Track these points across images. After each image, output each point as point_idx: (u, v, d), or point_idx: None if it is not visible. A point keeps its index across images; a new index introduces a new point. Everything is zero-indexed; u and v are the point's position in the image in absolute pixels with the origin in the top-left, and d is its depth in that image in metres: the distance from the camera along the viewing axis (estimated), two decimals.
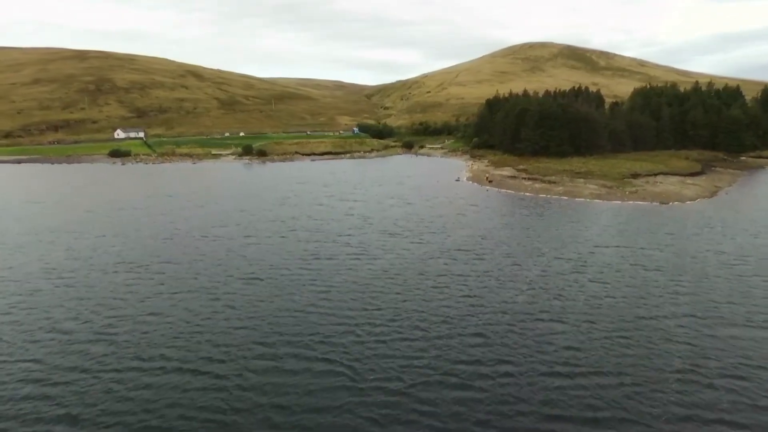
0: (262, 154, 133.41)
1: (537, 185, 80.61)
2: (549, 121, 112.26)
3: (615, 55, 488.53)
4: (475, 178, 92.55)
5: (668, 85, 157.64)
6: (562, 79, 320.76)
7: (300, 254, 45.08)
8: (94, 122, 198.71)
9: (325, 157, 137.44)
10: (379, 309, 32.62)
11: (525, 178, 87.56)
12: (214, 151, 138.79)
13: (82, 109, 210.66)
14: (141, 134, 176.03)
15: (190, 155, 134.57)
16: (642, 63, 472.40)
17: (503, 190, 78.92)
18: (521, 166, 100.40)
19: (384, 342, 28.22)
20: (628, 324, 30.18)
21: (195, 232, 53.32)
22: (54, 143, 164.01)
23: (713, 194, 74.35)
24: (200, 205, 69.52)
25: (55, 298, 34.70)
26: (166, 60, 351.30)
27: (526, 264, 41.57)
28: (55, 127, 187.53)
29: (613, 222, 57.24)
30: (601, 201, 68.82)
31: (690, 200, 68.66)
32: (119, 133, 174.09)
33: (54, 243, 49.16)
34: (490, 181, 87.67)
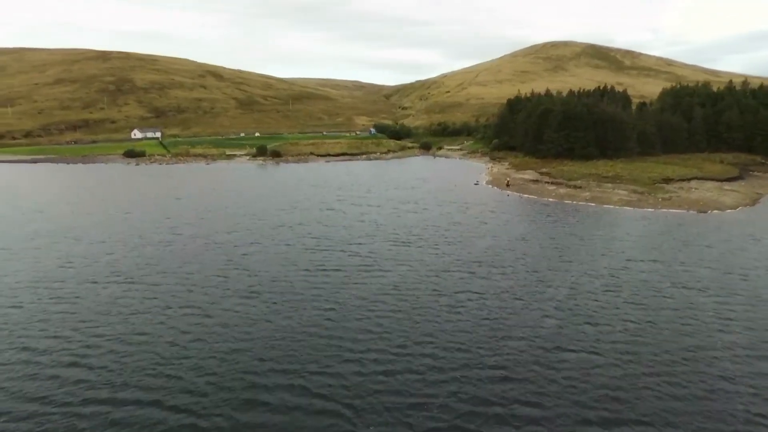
0: (276, 155, 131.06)
1: (561, 190, 75.95)
2: (573, 122, 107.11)
3: (640, 54, 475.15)
4: (495, 182, 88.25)
5: (700, 85, 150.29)
6: (585, 79, 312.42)
7: (305, 265, 41.80)
8: (113, 122, 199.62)
9: (341, 158, 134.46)
10: (387, 333, 29.06)
11: (548, 183, 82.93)
12: (228, 152, 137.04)
13: (102, 109, 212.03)
14: (158, 134, 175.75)
15: (204, 156, 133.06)
16: (669, 62, 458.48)
17: (525, 196, 74.51)
18: (544, 170, 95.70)
19: (390, 375, 24.66)
20: (675, 358, 26.04)
21: (197, 239, 50.53)
22: (71, 143, 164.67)
23: (755, 202, 68.81)
24: (207, 209, 66.94)
25: (36, 313, 32.03)
26: (187, 60, 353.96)
27: (553, 281, 37.51)
28: (75, 127, 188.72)
29: (646, 232, 52.58)
30: (631, 208, 64.00)
31: (730, 208, 63.34)
32: (136, 134, 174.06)
33: (49, 249, 46.86)
34: (508, 185, 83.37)
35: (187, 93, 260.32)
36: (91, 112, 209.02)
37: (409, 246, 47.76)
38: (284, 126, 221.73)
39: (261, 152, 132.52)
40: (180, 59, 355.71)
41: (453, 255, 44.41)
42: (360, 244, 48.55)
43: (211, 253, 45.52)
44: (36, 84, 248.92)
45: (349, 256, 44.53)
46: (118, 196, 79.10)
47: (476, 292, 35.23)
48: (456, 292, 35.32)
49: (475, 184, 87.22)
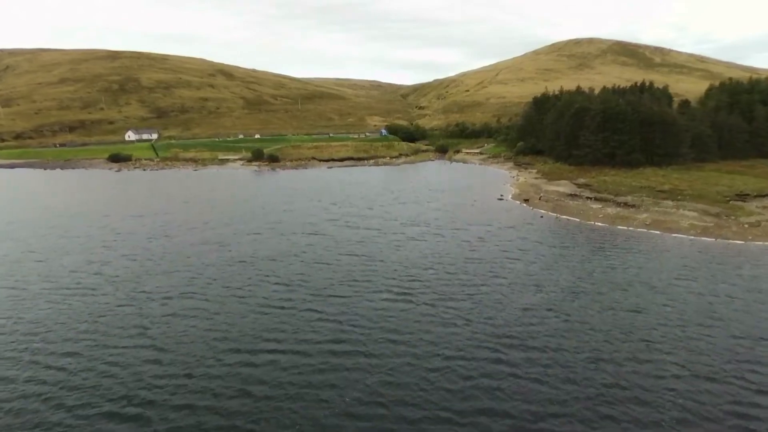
0: (273, 160, 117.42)
1: (610, 210, 60.34)
2: (615, 123, 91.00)
3: (671, 50, 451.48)
4: (523, 196, 72.94)
5: (753, 79, 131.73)
6: (613, 77, 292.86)
7: (244, 340, 27.68)
8: (111, 123, 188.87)
9: (346, 163, 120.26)
10: None
11: (590, 198, 67.36)
12: (221, 156, 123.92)
13: (101, 109, 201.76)
14: (154, 136, 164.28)
15: (194, 160, 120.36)
16: (701, 59, 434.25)
17: (564, 217, 59.08)
18: (581, 180, 79.95)
19: None
20: None
21: (120, 285, 36.81)
22: (57, 146, 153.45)
23: None
24: (161, 233, 53.38)
25: None
26: (199, 59, 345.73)
27: (637, 380, 22.55)
28: (70, 128, 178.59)
29: (754, 282, 36.80)
30: (711, 239, 48.13)
31: None
32: (130, 135, 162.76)
33: None
34: (527, 201, 68.16)
35: (194, 92, 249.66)
36: (89, 113, 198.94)
37: (408, 302, 33.28)
38: (291, 127, 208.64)
39: (257, 156, 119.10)
40: (192, 58, 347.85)
41: (472, 322, 29.76)
42: (339, 297, 34.22)
43: (120, 313, 31.66)
44: (39, 84, 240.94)
45: (317, 321, 30.25)
46: (69, 212, 66.15)
47: (513, 417, 20.54)
48: (480, 414, 20.70)
49: (500, 199, 72.01)
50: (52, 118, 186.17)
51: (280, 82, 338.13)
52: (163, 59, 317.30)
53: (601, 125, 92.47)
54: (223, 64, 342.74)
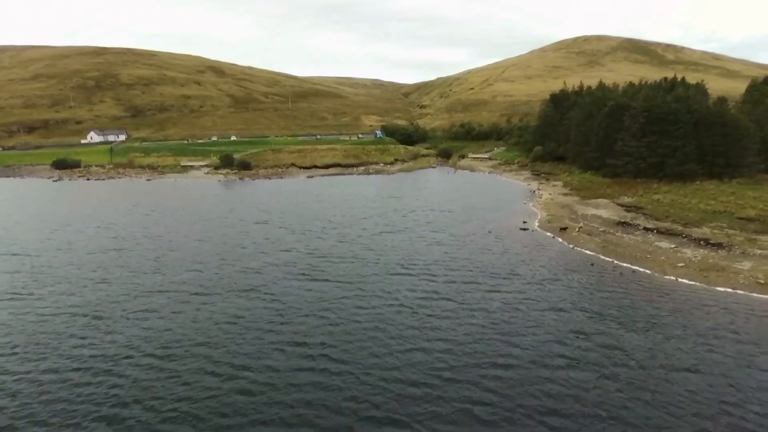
0: (244, 167, 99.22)
1: (688, 252, 41.77)
2: (663, 125, 72.70)
3: (683, 48, 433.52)
4: (555, 223, 54.45)
5: None
6: (625, 74, 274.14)
7: None
8: (78, 122, 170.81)
9: (330, 170, 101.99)
10: None
11: (650, 230, 48.86)
12: (184, 162, 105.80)
13: (70, 107, 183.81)
14: (122, 137, 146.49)
15: (153, 167, 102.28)
16: (716, 56, 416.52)
17: (625, 265, 40.36)
18: (626, 199, 61.78)
19: None
20: None
21: None
22: (3, 149, 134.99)
23: None
24: (26, 293, 35.31)
25: None
26: (192, 56, 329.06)
27: None
28: (30, 129, 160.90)
29: None
30: None
31: None
32: (93, 137, 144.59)
33: None
34: (563, 233, 49.87)
35: (177, 90, 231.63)
36: (57, 111, 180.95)
37: None
38: (278, 127, 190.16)
39: (225, 163, 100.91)
40: (182, 54, 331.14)
41: None
42: None
43: None
44: (10, 80, 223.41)
45: None
46: None
47: None
48: None
49: (523, 229, 53.44)
50: (13, 117, 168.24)
51: (275, 79, 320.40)
52: (150, 55, 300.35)
53: (645, 128, 74.14)
54: (215, 61, 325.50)
